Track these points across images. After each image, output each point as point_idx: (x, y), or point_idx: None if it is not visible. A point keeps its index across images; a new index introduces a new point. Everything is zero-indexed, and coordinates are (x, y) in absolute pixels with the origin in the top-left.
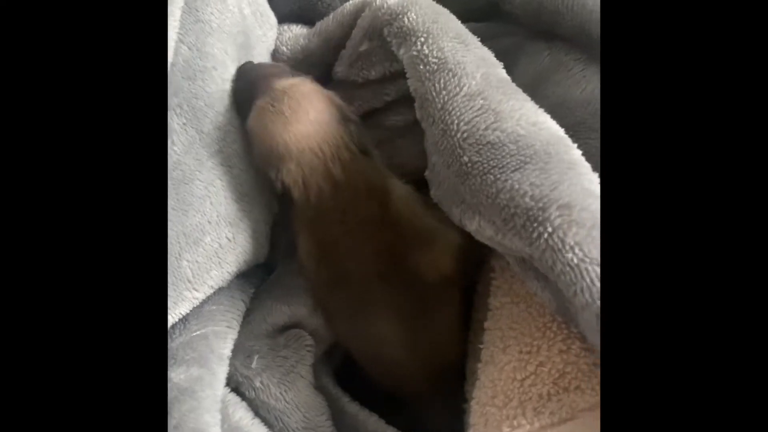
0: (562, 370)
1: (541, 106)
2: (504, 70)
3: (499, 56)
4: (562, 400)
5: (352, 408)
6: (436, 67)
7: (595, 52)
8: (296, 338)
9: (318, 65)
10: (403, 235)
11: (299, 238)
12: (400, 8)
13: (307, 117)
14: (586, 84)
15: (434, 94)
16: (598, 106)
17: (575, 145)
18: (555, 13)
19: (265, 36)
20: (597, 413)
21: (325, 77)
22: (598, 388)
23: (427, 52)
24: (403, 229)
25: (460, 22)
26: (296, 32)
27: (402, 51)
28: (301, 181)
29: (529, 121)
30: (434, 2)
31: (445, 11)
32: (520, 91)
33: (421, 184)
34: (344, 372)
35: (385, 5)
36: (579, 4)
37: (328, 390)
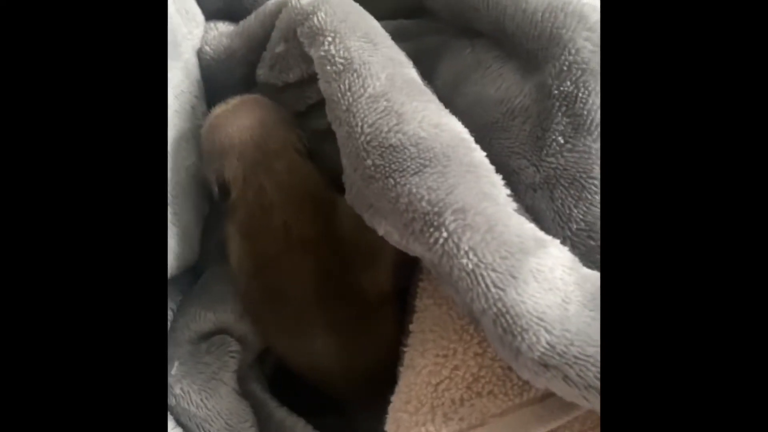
0: (477, 374)
1: (459, 105)
2: (414, 70)
3: (425, 54)
4: (475, 405)
5: (280, 413)
6: (342, 67)
7: (510, 48)
8: (219, 344)
9: (242, 65)
10: (344, 254)
11: (231, 243)
12: (311, 8)
13: (253, 114)
14: (502, 82)
15: (339, 95)
16: (510, 105)
17: (478, 146)
18: (473, 9)
19: (191, 34)
20: (507, 419)
21: (249, 79)
22: (511, 393)
23: (333, 52)
24: (345, 247)
25: (373, 20)
26: (221, 30)
27: (312, 51)
28: (242, 177)
29: (431, 123)
30: (349, 1)
31: (358, 9)
32: (426, 91)
33: None
34: (276, 377)
35: (298, 6)
36: (493, 0)
37: (255, 396)
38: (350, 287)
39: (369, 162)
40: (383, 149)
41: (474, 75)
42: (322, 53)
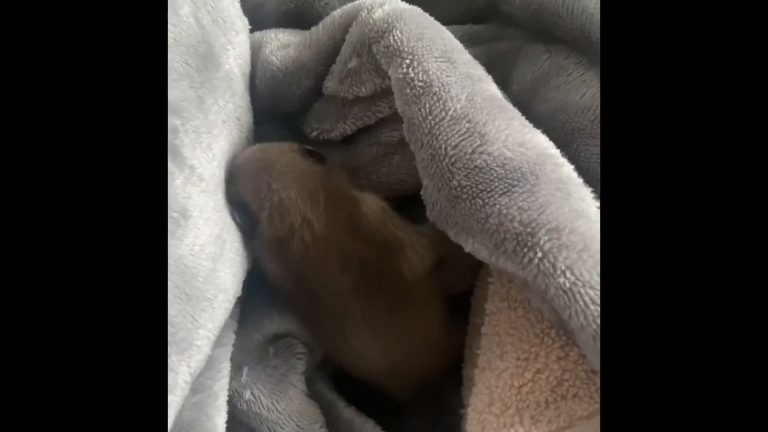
0: (560, 378)
1: (539, 111)
2: (494, 85)
3: (498, 60)
4: (560, 408)
5: (348, 414)
6: (421, 90)
7: (594, 55)
8: (286, 347)
9: (309, 77)
10: (374, 245)
11: (265, 262)
12: (385, 25)
13: (254, 147)
14: (586, 89)
15: (421, 118)
16: (598, 112)
17: (565, 160)
18: (554, 15)
19: (231, 43)
20: (595, 421)
21: (315, 90)
22: (596, 395)
23: (412, 75)
24: (374, 238)
25: (447, 32)
26: (284, 40)
27: (390, 71)
28: (252, 192)
29: (516, 142)
30: (421, 13)
31: (432, 23)
32: (507, 107)
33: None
34: (340, 377)
35: (371, 21)
36: (579, 7)
37: (323, 397)
38: (386, 276)
39: (455, 183)
40: (468, 170)
41: (555, 80)
42: (400, 75)
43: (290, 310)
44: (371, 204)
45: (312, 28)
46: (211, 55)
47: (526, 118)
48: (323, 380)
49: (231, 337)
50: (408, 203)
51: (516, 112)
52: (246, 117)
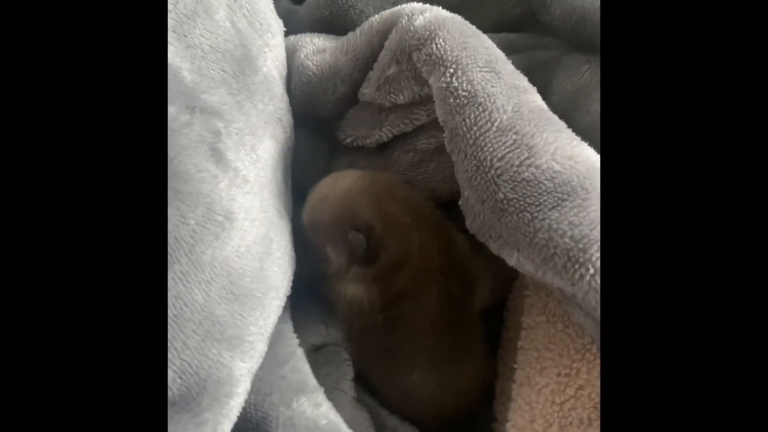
0: None
1: (581, 122)
2: (538, 96)
3: (536, 70)
4: None
5: (392, 421)
6: (465, 101)
7: None
8: (335, 354)
9: (345, 83)
10: (464, 281)
11: (354, 288)
12: (427, 33)
13: (348, 174)
14: None
15: (465, 129)
16: None
17: None
18: (597, 26)
19: (268, 45)
20: None
21: (350, 96)
22: None
23: (456, 84)
24: (464, 274)
25: (490, 41)
26: (319, 45)
27: (432, 80)
28: (377, 216)
29: (565, 155)
30: (463, 21)
31: (474, 32)
32: (554, 119)
33: (454, 206)
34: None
35: (412, 28)
36: None
37: (367, 404)
38: (463, 313)
39: (501, 195)
40: (515, 183)
41: (596, 92)
42: (443, 85)
43: (345, 331)
44: (460, 237)
45: (349, 33)
46: (249, 59)
47: (569, 129)
48: (364, 388)
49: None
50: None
51: (563, 125)
52: (287, 118)
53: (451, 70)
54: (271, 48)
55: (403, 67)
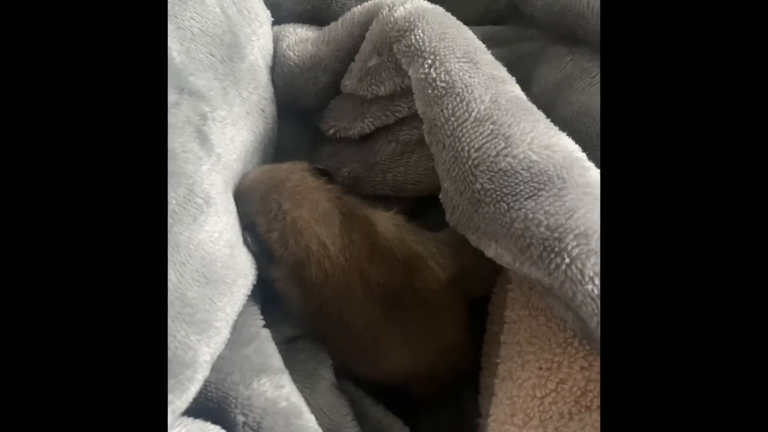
0: (584, 388)
1: (562, 114)
2: (517, 86)
3: (519, 62)
4: (584, 419)
5: (375, 412)
6: (443, 91)
7: None
8: (313, 341)
9: (327, 73)
10: (398, 266)
11: (287, 289)
12: (407, 24)
13: (260, 168)
14: None
15: (443, 120)
16: None
17: (592, 164)
18: (579, 17)
19: (255, 33)
20: None
21: (332, 87)
22: None
23: (434, 75)
24: (395, 260)
25: (469, 31)
26: (302, 35)
27: (411, 71)
28: (263, 212)
29: (542, 145)
30: (443, 12)
31: (454, 22)
32: (532, 109)
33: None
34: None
35: (392, 19)
36: None
37: (350, 392)
38: (413, 293)
39: (478, 186)
40: (492, 173)
41: (578, 83)
42: (422, 76)
43: (314, 333)
44: (386, 222)
45: (331, 23)
46: (237, 45)
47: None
48: (347, 377)
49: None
50: (423, 205)
51: (541, 115)
52: (270, 108)
53: (429, 61)
54: (259, 37)
55: (384, 58)
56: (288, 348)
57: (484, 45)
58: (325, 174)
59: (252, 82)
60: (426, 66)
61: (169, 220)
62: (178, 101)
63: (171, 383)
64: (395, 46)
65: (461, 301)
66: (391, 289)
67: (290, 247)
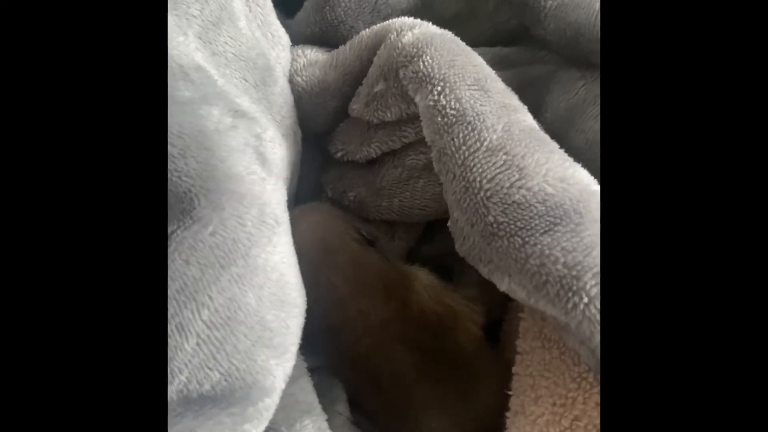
0: (599, 426)
1: (576, 141)
2: (529, 115)
3: (530, 86)
4: None
5: None
6: (454, 119)
7: None
8: (329, 375)
9: (335, 98)
10: (429, 322)
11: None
12: (414, 50)
13: (309, 219)
14: None
15: (453, 149)
16: None
17: None
18: (593, 42)
19: (279, 57)
20: None
21: (341, 111)
22: None
23: (444, 102)
24: (428, 315)
25: (479, 58)
26: (311, 58)
27: (418, 98)
28: (309, 279)
29: (557, 177)
30: (452, 38)
31: (464, 49)
32: (545, 139)
33: (443, 224)
34: None
35: (400, 45)
36: None
37: (364, 426)
38: (447, 352)
39: (490, 218)
40: (506, 206)
41: (592, 110)
42: (431, 103)
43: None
44: (423, 280)
45: (339, 47)
46: (269, 68)
47: (562, 149)
48: (358, 411)
49: None
50: (432, 230)
51: (555, 145)
52: (299, 131)
53: (439, 88)
54: (281, 60)
55: (390, 84)
56: None
57: (495, 67)
58: (371, 242)
59: (285, 106)
60: (435, 93)
61: (247, 243)
62: (234, 124)
63: (250, 411)
64: (401, 72)
65: (500, 361)
66: (428, 348)
67: (331, 317)
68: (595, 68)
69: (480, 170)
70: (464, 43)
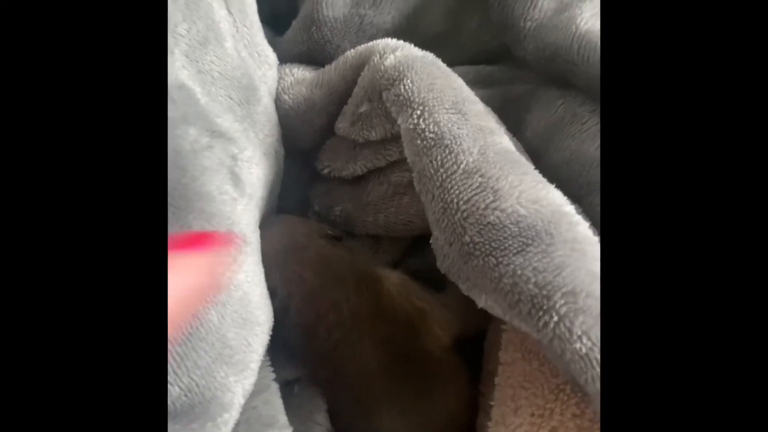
0: None
1: (553, 159)
2: (505, 137)
3: (512, 103)
4: None
5: None
6: (432, 142)
7: None
8: (308, 386)
9: (321, 116)
10: (399, 322)
11: (296, 345)
12: (396, 73)
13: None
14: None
15: (432, 171)
16: None
17: (580, 218)
18: (569, 63)
19: (265, 76)
20: None
21: (327, 129)
22: None
23: (423, 126)
24: (398, 315)
25: (459, 80)
26: (298, 76)
27: (400, 120)
28: (280, 277)
29: (530, 199)
30: (433, 61)
31: (443, 71)
32: (520, 161)
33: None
34: None
35: (382, 68)
36: (595, 57)
37: None
38: (413, 354)
39: (467, 238)
40: (481, 226)
41: (569, 129)
42: (411, 126)
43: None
44: (393, 279)
45: (325, 66)
46: (253, 88)
47: (541, 167)
48: (337, 421)
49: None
50: (417, 245)
51: (530, 167)
52: (281, 149)
53: (418, 112)
54: (267, 80)
55: (375, 105)
56: (284, 392)
57: (479, 85)
58: (338, 238)
59: (267, 124)
60: (415, 116)
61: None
62: (210, 144)
63: (209, 426)
64: (384, 95)
65: (464, 372)
66: (396, 346)
67: (304, 312)
68: (573, 88)
69: (457, 192)
70: (444, 65)
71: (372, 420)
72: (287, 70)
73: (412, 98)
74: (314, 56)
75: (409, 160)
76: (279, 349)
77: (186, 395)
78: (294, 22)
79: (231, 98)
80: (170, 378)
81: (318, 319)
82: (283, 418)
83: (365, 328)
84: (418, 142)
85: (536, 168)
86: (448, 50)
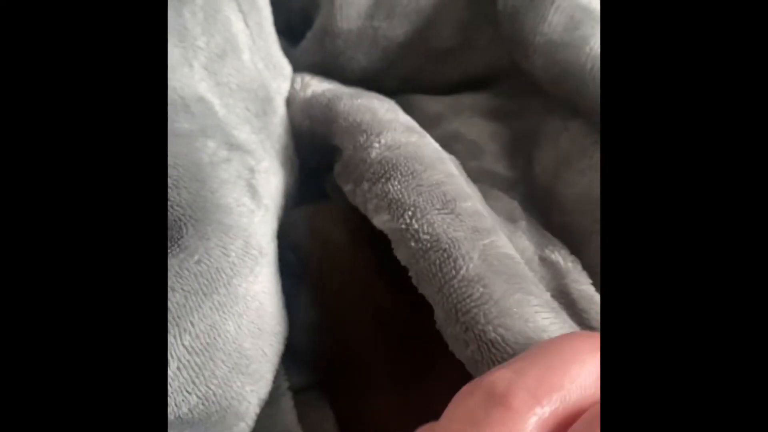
0: None
1: (566, 195)
2: (504, 238)
3: (521, 140)
4: None
5: None
6: (428, 245)
7: None
8: (319, 394)
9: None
10: (411, 299)
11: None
12: (382, 171)
13: None
14: None
15: (430, 275)
16: None
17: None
18: (579, 81)
19: (281, 87)
20: None
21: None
22: None
23: (416, 227)
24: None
25: (443, 170)
26: (302, 97)
27: (386, 217)
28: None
29: (538, 324)
30: (415, 153)
31: (428, 164)
32: (523, 274)
33: None
34: None
35: (368, 160)
36: None
37: None
38: (419, 334)
39: (468, 353)
40: (481, 342)
41: (578, 164)
42: (402, 226)
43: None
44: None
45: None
46: (269, 99)
47: (551, 203)
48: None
49: None
50: None
51: (533, 279)
52: (296, 159)
53: (410, 212)
54: (282, 91)
55: (356, 186)
56: (295, 400)
57: (486, 118)
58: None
59: (285, 136)
60: (407, 217)
61: (230, 272)
62: (228, 157)
63: None
64: (366, 185)
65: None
66: (399, 323)
67: (321, 263)
68: (578, 118)
69: (455, 301)
70: (428, 151)
71: (366, 397)
72: (298, 79)
73: (401, 199)
74: (328, 67)
75: (403, 262)
76: (292, 354)
77: (203, 404)
78: (308, 34)
79: (248, 110)
80: (188, 387)
81: (331, 269)
82: (296, 429)
83: (373, 294)
84: (413, 244)
85: (550, 205)
86: (457, 66)
